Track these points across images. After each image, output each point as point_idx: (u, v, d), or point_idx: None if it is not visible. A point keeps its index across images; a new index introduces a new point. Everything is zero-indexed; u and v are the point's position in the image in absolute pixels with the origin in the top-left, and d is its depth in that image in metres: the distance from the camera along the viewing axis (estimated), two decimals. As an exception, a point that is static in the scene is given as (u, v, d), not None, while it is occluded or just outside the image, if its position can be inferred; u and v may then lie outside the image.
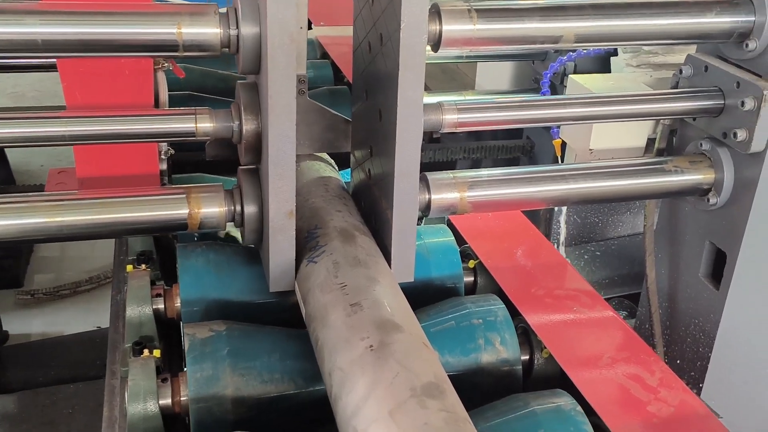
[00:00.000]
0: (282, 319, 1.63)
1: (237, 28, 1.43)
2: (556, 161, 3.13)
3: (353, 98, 1.74)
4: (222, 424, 1.40)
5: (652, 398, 1.51)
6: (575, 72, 3.20)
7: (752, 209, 1.89)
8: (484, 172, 1.79)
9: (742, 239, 1.94)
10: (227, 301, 1.64)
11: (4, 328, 3.66)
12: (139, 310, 1.62)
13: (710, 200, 1.96)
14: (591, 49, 3.12)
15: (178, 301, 1.64)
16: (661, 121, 2.21)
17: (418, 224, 1.65)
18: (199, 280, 1.64)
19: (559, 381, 1.57)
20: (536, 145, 3.58)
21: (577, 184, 1.82)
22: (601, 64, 3.22)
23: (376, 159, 1.58)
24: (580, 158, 2.89)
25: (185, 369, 1.42)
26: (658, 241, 2.28)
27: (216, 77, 2.77)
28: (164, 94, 1.90)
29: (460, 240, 1.96)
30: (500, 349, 1.59)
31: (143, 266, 1.76)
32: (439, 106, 1.69)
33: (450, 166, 3.55)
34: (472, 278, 1.88)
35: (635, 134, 2.80)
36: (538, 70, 3.51)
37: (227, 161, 1.73)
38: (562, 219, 3.18)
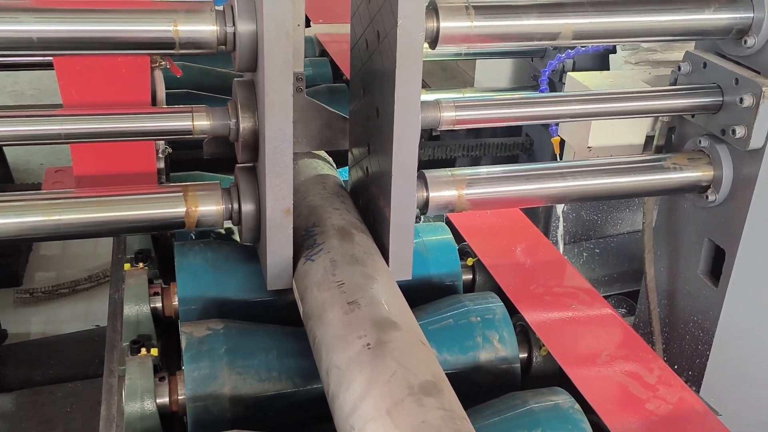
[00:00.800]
0: (279, 317, 1.63)
1: (233, 25, 1.43)
2: (554, 159, 3.12)
3: (351, 96, 1.73)
4: (219, 423, 1.39)
5: (651, 396, 1.51)
6: (574, 69, 3.20)
7: (751, 206, 1.89)
8: (483, 170, 1.78)
9: (741, 236, 1.93)
10: (225, 300, 1.64)
11: (2, 327, 3.66)
12: (137, 308, 1.62)
13: (709, 197, 1.96)
14: (590, 46, 3.12)
15: (176, 299, 1.64)
16: (660, 118, 2.20)
17: (416, 222, 1.65)
18: (197, 279, 1.64)
19: (558, 379, 1.57)
20: (535, 142, 3.58)
21: (575, 181, 1.82)
22: (600, 61, 3.22)
23: (374, 157, 1.57)
24: (578, 156, 2.89)
25: (183, 368, 1.42)
26: (656, 239, 2.28)
27: (213, 75, 2.77)
28: (161, 92, 1.89)
29: (458, 238, 1.96)
30: (498, 347, 1.59)
31: (141, 265, 1.76)
32: (436, 103, 1.69)
33: (449, 163, 3.55)
34: (471, 276, 1.88)
35: (634, 131, 2.79)
36: (537, 68, 3.51)
37: (225, 159, 1.72)
38: (561, 216, 3.18)
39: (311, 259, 1.46)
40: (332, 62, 3.13)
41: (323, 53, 3.29)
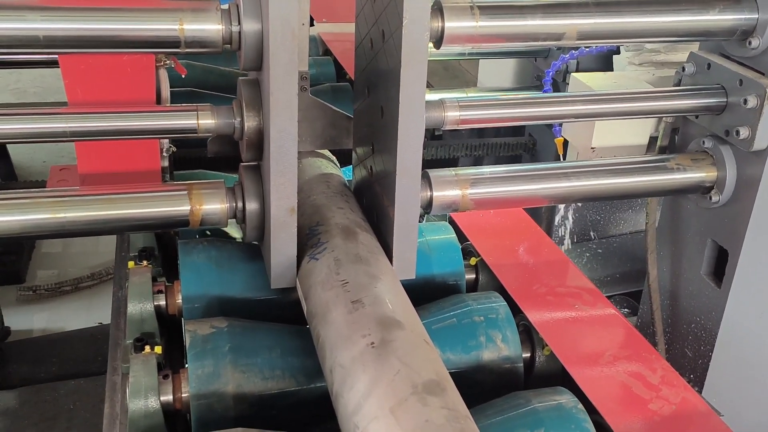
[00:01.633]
0: (283, 315, 1.63)
1: (239, 24, 1.43)
2: (557, 159, 3.12)
3: (355, 95, 1.73)
4: (223, 421, 1.40)
5: (654, 396, 1.51)
6: (577, 70, 3.20)
7: (754, 207, 1.89)
8: (486, 170, 1.79)
9: (744, 237, 1.93)
10: (228, 298, 1.64)
11: (5, 324, 3.67)
12: (141, 306, 1.62)
13: (712, 198, 1.96)
14: (593, 47, 3.12)
15: (180, 297, 1.64)
16: (664, 118, 2.20)
17: (419, 221, 1.65)
18: (201, 277, 1.64)
19: (561, 379, 1.57)
20: (538, 142, 3.58)
21: (579, 181, 1.82)
22: (604, 62, 3.22)
23: (378, 156, 1.57)
24: (582, 156, 2.89)
25: (186, 365, 1.42)
26: (660, 239, 2.28)
27: (217, 74, 2.77)
28: (166, 91, 1.90)
29: (461, 237, 1.96)
30: (502, 347, 1.59)
31: (145, 263, 1.76)
32: (441, 103, 1.69)
33: (452, 163, 3.55)
34: (474, 275, 1.88)
35: (637, 132, 2.79)
36: (541, 68, 3.51)
37: (229, 158, 1.73)
38: (564, 216, 3.18)
39: (315, 258, 1.47)
40: (335, 61, 3.13)
41: (326, 52, 3.29)
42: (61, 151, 5.19)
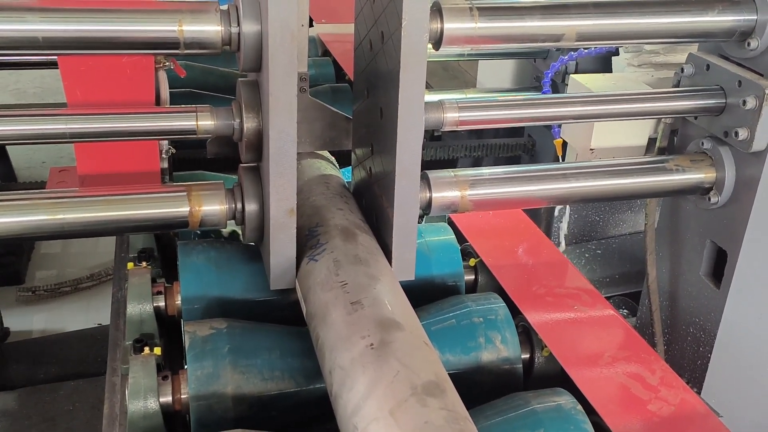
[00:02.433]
0: (282, 316, 1.63)
1: (238, 25, 1.43)
2: (556, 161, 3.12)
3: (354, 96, 1.74)
4: (222, 422, 1.40)
5: (653, 397, 1.51)
6: (576, 71, 3.20)
7: (753, 208, 1.89)
8: (486, 171, 1.79)
9: (743, 238, 1.94)
10: (228, 299, 1.64)
11: (5, 325, 3.66)
12: (140, 307, 1.62)
13: (711, 199, 1.96)
14: (593, 48, 3.12)
15: (179, 298, 1.64)
16: (663, 119, 2.20)
17: (419, 222, 1.65)
18: (200, 278, 1.65)
19: (560, 380, 1.57)
20: (537, 143, 3.58)
21: (578, 182, 1.82)
22: (603, 63, 3.22)
23: (377, 157, 1.58)
24: (581, 157, 2.89)
25: (186, 366, 1.43)
26: (659, 240, 2.28)
27: (217, 75, 2.77)
28: (165, 92, 1.90)
29: (460, 238, 1.96)
30: (501, 348, 1.59)
31: (144, 264, 1.76)
32: (440, 104, 1.69)
33: (451, 164, 3.55)
34: (473, 277, 1.88)
35: (636, 133, 2.80)
36: (540, 69, 3.51)
37: (228, 159, 1.73)
38: (564, 217, 3.18)
39: (314, 259, 1.47)
40: (335, 62, 3.13)
41: (326, 53, 3.29)
42: (60, 152, 5.19)
